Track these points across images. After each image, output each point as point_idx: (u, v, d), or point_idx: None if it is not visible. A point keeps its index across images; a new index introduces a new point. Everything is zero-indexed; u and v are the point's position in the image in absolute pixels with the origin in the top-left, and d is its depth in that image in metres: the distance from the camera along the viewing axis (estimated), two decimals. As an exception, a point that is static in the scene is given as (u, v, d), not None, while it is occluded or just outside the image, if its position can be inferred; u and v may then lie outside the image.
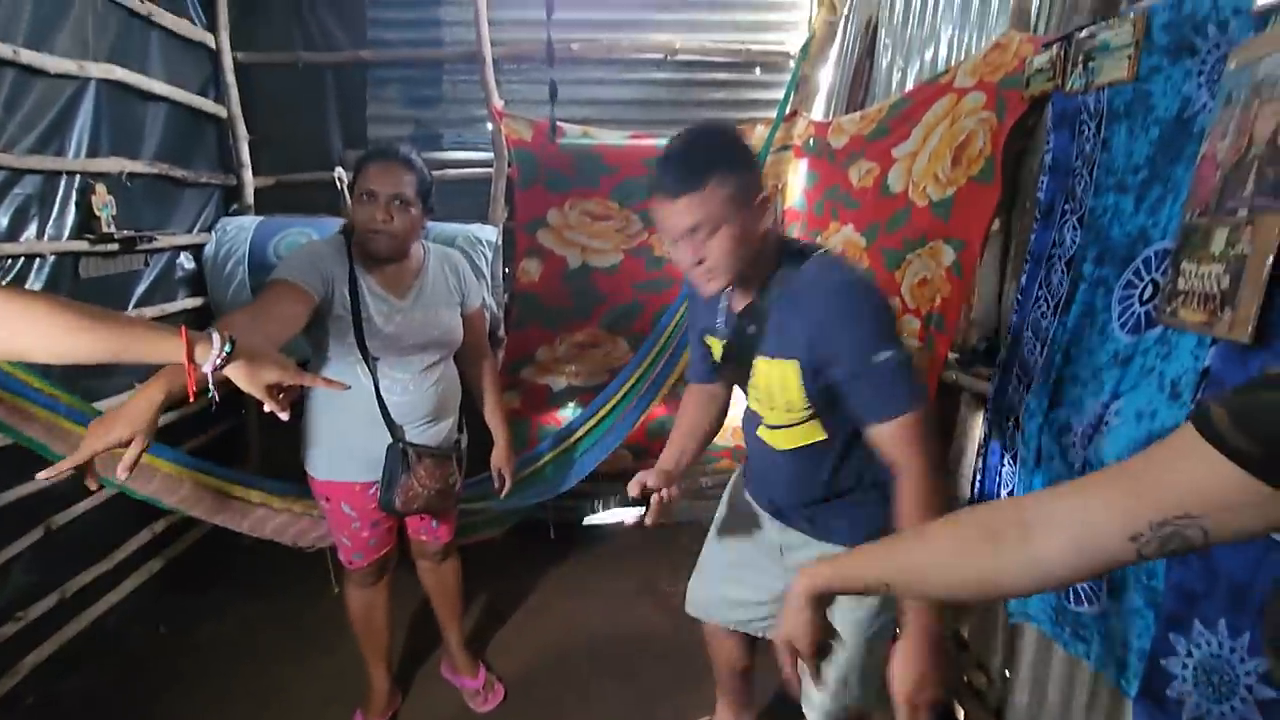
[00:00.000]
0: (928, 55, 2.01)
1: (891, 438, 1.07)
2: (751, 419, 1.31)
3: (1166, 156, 1.09)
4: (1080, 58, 1.26)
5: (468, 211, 2.66)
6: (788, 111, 2.47)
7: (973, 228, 1.55)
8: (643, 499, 1.26)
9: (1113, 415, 1.10)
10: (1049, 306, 1.32)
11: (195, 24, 2.45)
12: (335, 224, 2.33)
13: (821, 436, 1.20)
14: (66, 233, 1.90)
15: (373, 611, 1.88)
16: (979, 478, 1.48)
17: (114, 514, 2.08)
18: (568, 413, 2.76)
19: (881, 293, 1.12)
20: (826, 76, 2.57)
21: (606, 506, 2.99)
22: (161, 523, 2.29)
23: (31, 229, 1.80)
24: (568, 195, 2.59)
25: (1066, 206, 1.30)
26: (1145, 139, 1.14)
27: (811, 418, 1.19)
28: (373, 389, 1.61)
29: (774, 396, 1.19)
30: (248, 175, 2.65)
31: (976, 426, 1.55)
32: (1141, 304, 1.10)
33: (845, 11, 2.45)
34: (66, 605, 1.93)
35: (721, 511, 1.53)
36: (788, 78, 2.67)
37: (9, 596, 1.77)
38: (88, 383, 1.92)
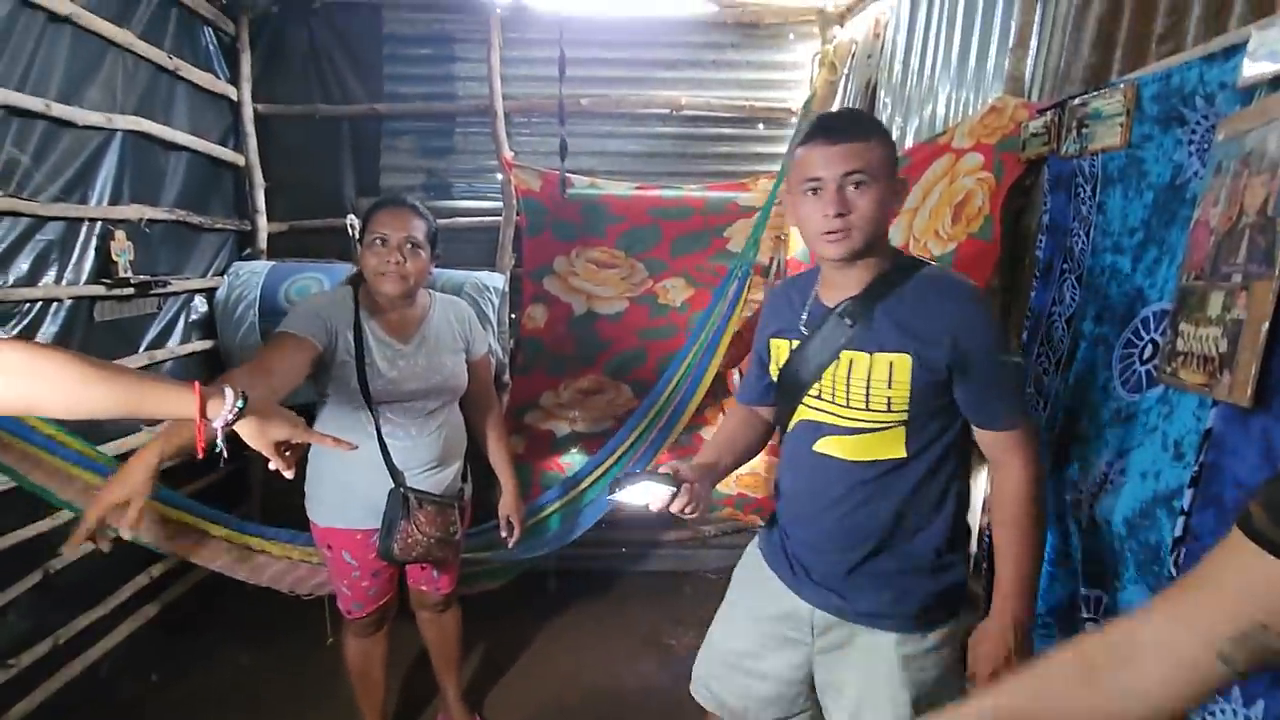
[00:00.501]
0: (926, 113, 2.08)
1: (1010, 442, 1.10)
2: (807, 436, 1.19)
3: (1161, 220, 1.12)
4: (1074, 124, 1.30)
5: (476, 258, 2.71)
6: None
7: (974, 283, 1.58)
8: (673, 483, 1.11)
9: (1117, 474, 1.10)
10: (1050, 363, 1.34)
11: (219, 77, 2.54)
12: (345, 269, 2.38)
13: (899, 454, 1.12)
14: (84, 277, 1.94)
15: (370, 662, 1.85)
16: (986, 535, 1.47)
17: (111, 558, 2.04)
18: (571, 458, 2.76)
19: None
20: (828, 133, 2.65)
21: (616, 556, 2.96)
22: (159, 566, 2.27)
23: (51, 274, 1.84)
24: (574, 243, 2.65)
25: (1065, 265, 1.33)
26: (1140, 203, 1.17)
27: (899, 425, 1.11)
28: (375, 434, 1.62)
29: (869, 393, 1.10)
30: (262, 221, 2.71)
31: (982, 480, 1.54)
32: (1142, 363, 1.11)
33: (845, 71, 2.54)
34: (59, 652, 1.90)
35: (732, 593, 1.38)
36: (790, 133, 2.75)
37: (2, 643, 1.74)
38: (100, 423, 1.93)
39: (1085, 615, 1.16)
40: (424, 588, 1.86)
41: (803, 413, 1.20)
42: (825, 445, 1.17)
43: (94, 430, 1.86)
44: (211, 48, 2.52)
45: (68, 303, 1.88)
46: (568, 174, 2.56)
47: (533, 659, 2.39)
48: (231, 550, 1.78)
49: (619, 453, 2.33)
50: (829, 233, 1.07)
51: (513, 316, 2.73)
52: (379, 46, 2.73)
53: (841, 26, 2.64)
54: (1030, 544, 1.10)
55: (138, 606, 2.22)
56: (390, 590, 1.81)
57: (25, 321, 1.77)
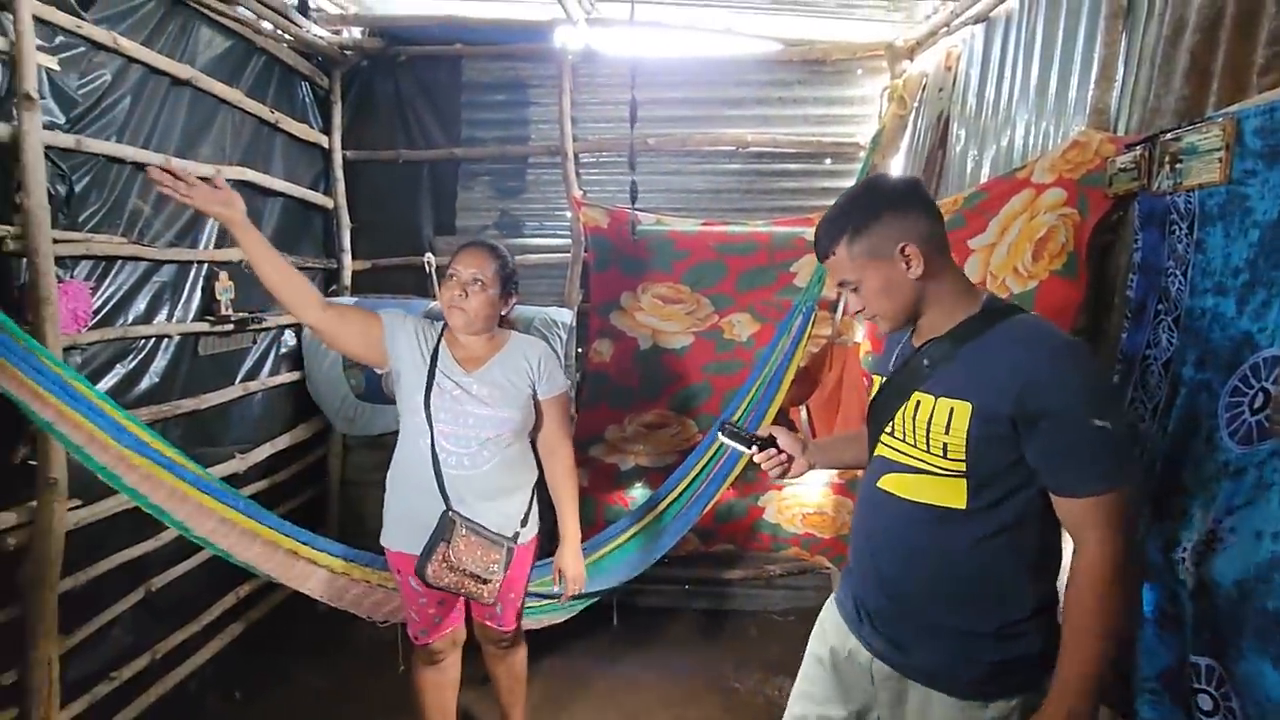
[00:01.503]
0: (1004, 142, 2.03)
1: (1086, 513, 1.00)
2: (874, 471, 1.21)
3: (1270, 261, 1.05)
4: (1166, 159, 1.24)
5: (546, 294, 2.79)
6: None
7: (1058, 324, 1.51)
8: (768, 444, 1.35)
9: (1226, 532, 1.02)
10: (1146, 409, 1.26)
11: (313, 127, 2.74)
12: (422, 304, 2.49)
13: (959, 505, 1.08)
14: (192, 315, 2.10)
15: (439, 691, 1.88)
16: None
17: (205, 577, 2.19)
18: (635, 492, 2.76)
19: (1102, 363, 1.10)
20: (898, 167, 2.62)
21: (679, 592, 2.92)
22: (246, 586, 2.39)
23: (164, 312, 2.00)
24: (640, 279, 2.69)
25: (1160, 307, 1.26)
26: (1244, 241, 1.10)
27: (958, 476, 1.08)
28: (430, 455, 1.68)
29: (929, 436, 1.10)
30: (347, 259, 2.87)
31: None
32: (1253, 413, 1.04)
33: (915, 105, 2.51)
34: (155, 667, 2.02)
35: (811, 645, 1.38)
36: (858, 167, 2.73)
37: (108, 656, 1.87)
38: (199, 450, 2.08)
39: (1196, 685, 1.07)
40: (488, 623, 1.87)
41: (878, 449, 1.22)
42: (886, 481, 1.17)
43: (202, 456, 2.01)
44: (307, 100, 2.72)
45: (176, 338, 2.04)
46: (635, 212, 2.61)
47: (595, 694, 2.38)
48: (319, 571, 1.85)
49: (680, 488, 2.31)
50: (866, 321, 1.26)
51: (579, 351, 2.78)
52: (458, 94, 2.88)
53: (911, 60, 2.62)
54: (1095, 633, 1.00)
55: (224, 625, 2.34)
56: (456, 620, 1.84)
57: (140, 356, 1.92)
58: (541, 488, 1.88)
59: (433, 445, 1.68)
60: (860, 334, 2.60)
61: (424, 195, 2.93)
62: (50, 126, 1.61)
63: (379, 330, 1.72)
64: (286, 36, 2.48)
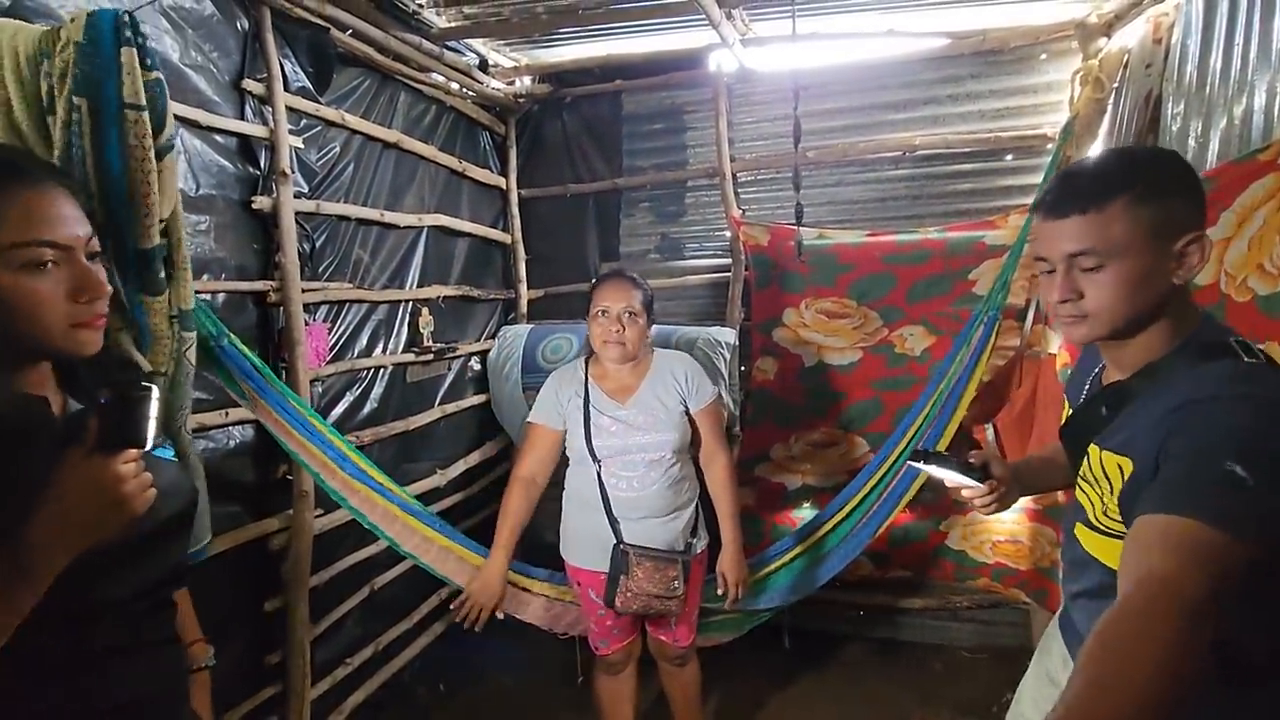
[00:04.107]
0: (1238, 111, 1.75)
1: (1160, 531, 0.72)
2: (1073, 512, 1.06)
3: None
4: None
5: (708, 314, 2.84)
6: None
7: (1326, 329, 1.27)
8: (980, 474, 1.15)
9: None
10: None
11: (492, 171, 3.01)
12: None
13: None
14: (400, 347, 2.40)
15: (619, 703, 1.96)
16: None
17: (415, 578, 2.46)
18: (803, 512, 2.70)
19: None
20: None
21: (852, 619, 2.81)
22: (447, 589, 2.65)
23: (380, 345, 2.30)
24: (803, 295, 2.64)
25: None
26: None
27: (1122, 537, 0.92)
28: (597, 484, 1.77)
29: (1103, 494, 0.94)
30: (523, 289, 3.11)
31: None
32: None
33: (1115, 86, 2.24)
34: (378, 657, 2.30)
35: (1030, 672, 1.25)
36: (1045, 161, 2.49)
37: (344, 644, 2.17)
38: (406, 465, 2.36)
39: None
40: (663, 638, 1.93)
41: (1077, 487, 1.06)
42: (1080, 531, 1.03)
43: (403, 472, 2.28)
44: (487, 147, 3.00)
45: (390, 368, 2.33)
46: (800, 228, 2.58)
47: (769, 718, 2.34)
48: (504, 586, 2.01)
49: (850, 505, 2.22)
50: (1060, 319, 0.94)
51: (743, 369, 2.78)
52: (619, 127, 3.02)
53: (1108, 37, 2.34)
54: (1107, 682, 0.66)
55: (430, 624, 2.61)
56: (633, 632, 1.91)
57: (363, 385, 2.22)
58: (706, 501, 1.92)
59: (599, 477, 1.79)
60: (1055, 344, 2.35)
61: (590, 225, 3.10)
62: (297, 195, 1.93)
63: (548, 430, 1.87)
64: (470, 93, 2.77)
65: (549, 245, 3.15)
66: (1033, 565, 2.46)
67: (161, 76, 1.18)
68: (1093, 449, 0.97)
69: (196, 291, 1.51)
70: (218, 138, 1.72)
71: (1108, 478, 0.92)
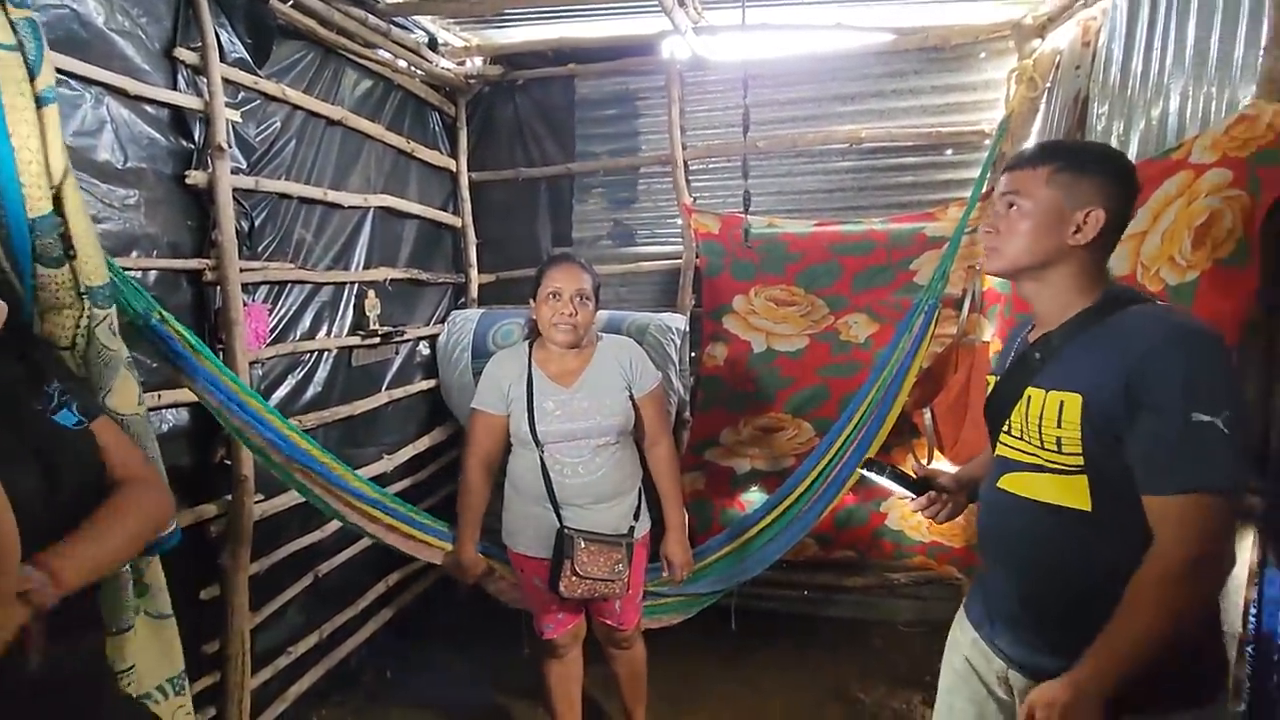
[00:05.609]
0: (1155, 113, 1.86)
1: (1170, 512, 0.93)
2: (995, 472, 1.18)
3: None
4: (1359, 130, 1.10)
5: (659, 300, 2.86)
6: (984, 190, 2.38)
7: (1225, 318, 1.37)
8: (920, 487, 1.30)
9: None
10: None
11: (441, 153, 2.96)
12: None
13: (1084, 506, 1.03)
14: (345, 330, 2.34)
15: (566, 686, 1.98)
16: (1255, 613, 1.25)
17: (361, 565, 2.43)
18: (751, 496, 2.76)
19: (1228, 352, 0.99)
20: (1028, 152, 2.45)
21: (798, 598, 2.90)
22: (395, 574, 2.62)
23: (324, 328, 2.25)
24: (753, 282, 2.69)
25: (1355, 296, 1.12)
26: None
27: (1078, 472, 1.03)
28: (540, 470, 1.77)
29: (1042, 431, 1.06)
30: (474, 274, 3.08)
31: (1246, 550, 1.32)
32: None
33: (1047, 85, 2.35)
34: (323, 645, 2.26)
35: (946, 661, 1.32)
36: (982, 156, 2.58)
37: (287, 632, 2.12)
38: (352, 451, 2.32)
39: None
40: (608, 621, 1.94)
41: (999, 449, 1.18)
42: (1006, 481, 1.14)
43: (349, 457, 2.24)
44: (437, 128, 2.95)
45: (334, 352, 2.28)
46: (748, 217, 2.62)
47: (716, 697, 2.40)
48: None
49: (797, 492, 2.29)
50: (985, 243, 1.15)
51: (694, 355, 2.82)
52: (571, 112, 3.00)
53: (1042, 38, 2.44)
54: (1139, 630, 0.93)
55: (377, 610, 2.58)
56: (579, 615, 1.93)
57: (306, 368, 2.17)
58: (650, 485, 1.94)
59: (542, 461, 1.78)
60: (989, 332, 2.46)
61: (542, 210, 3.08)
62: (235, 171, 1.86)
63: (494, 416, 1.86)
64: (419, 72, 2.71)
65: (500, 230, 3.12)
66: (965, 542, 2.58)
67: (35, 17, 1.10)
68: (1033, 391, 1.09)
69: (126, 269, 1.46)
70: (148, 108, 1.65)
71: (1048, 416, 1.05)
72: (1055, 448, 1.04)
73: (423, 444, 2.77)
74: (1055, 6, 2.33)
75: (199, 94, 1.76)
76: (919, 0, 2.48)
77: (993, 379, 1.24)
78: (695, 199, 2.85)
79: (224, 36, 1.83)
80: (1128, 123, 1.98)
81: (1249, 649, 1.24)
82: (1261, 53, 1.45)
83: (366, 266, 2.44)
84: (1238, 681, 1.27)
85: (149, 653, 1.29)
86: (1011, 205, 1.10)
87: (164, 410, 1.69)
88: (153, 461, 1.24)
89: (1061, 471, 1.05)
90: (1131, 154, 1.93)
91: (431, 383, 2.85)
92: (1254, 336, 1.40)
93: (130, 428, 1.23)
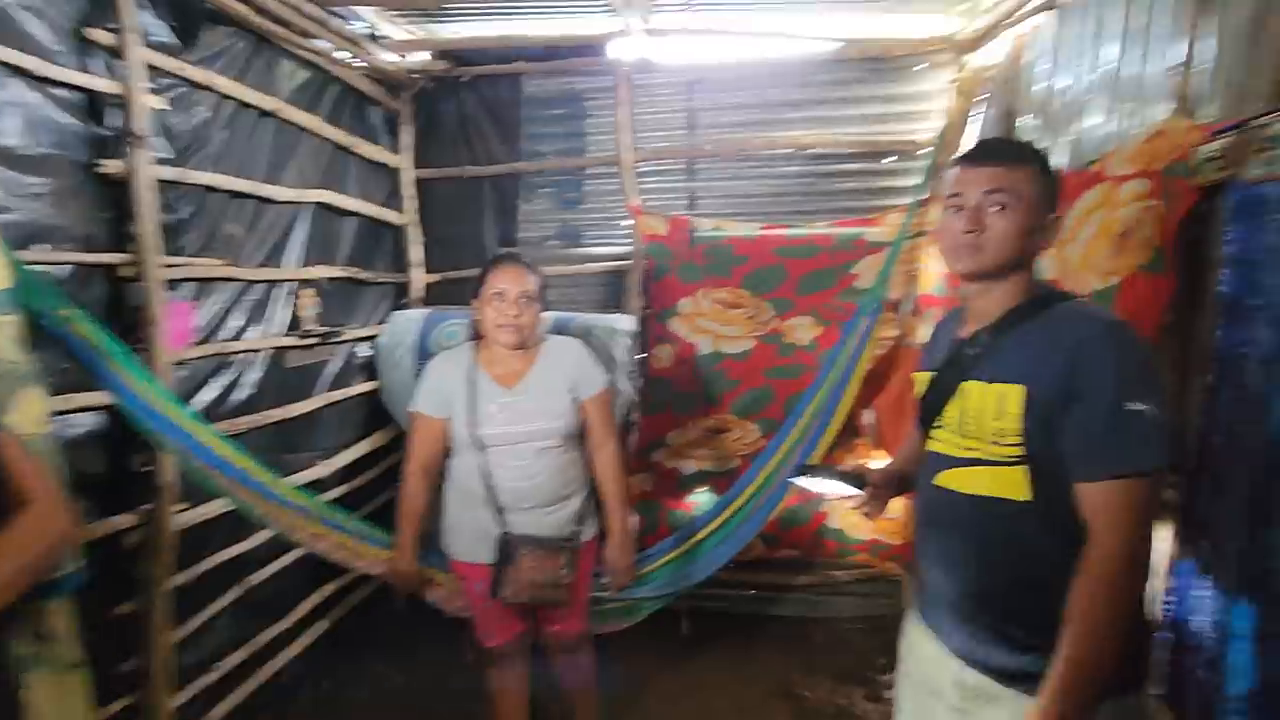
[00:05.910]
0: (1074, 127, 1.96)
1: (1103, 499, 0.96)
2: (929, 468, 1.18)
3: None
4: (1257, 146, 1.18)
5: (607, 302, 2.84)
6: (923, 198, 2.46)
7: (1144, 321, 1.45)
8: (858, 481, 1.31)
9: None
10: (1244, 410, 1.20)
11: (384, 149, 2.87)
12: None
13: (1024, 497, 1.04)
14: (279, 330, 2.24)
15: (510, 695, 1.94)
16: (1171, 602, 1.32)
17: (294, 576, 2.33)
18: (699, 497, 2.77)
19: (1147, 345, 1.06)
20: (963, 162, 2.55)
21: (744, 598, 2.92)
22: (331, 585, 2.52)
23: (256, 328, 2.14)
24: (700, 285, 2.70)
25: (1258, 302, 1.19)
26: (1349, 231, 1.04)
27: (1018, 463, 1.04)
28: (482, 473, 1.73)
29: (981, 424, 1.08)
30: (416, 273, 3.00)
31: (1163, 541, 1.39)
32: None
33: (982, 98, 2.44)
34: (252, 660, 2.16)
35: (901, 667, 1.33)
36: (920, 165, 2.67)
37: (213, 647, 2.01)
38: (285, 456, 2.22)
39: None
40: (555, 627, 1.91)
41: (930, 444, 1.20)
42: (944, 478, 1.15)
43: (289, 464, 2.15)
44: (378, 124, 2.86)
45: (268, 353, 2.18)
46: (693, 217, 2.63)
47: (664, 698, 2.40)
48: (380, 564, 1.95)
49: (746, 494, 2.31)
50: (959, 247, 1.10)
51: (641, 357, 2.81)
52: (518, 110, 2.96)
53: (975, 53, 2.55)
54: (1099, 629, 0.95)
55: (312, 622, 2.48)
56: (520, 624, 1.89)
57: (235, 370, 2.06)
58: (595, 489, 1.92)
59: (486, 464, 1.74)
60: (925, 335, 2.54)
61: (488, 209, 3.02)
62: (159, 161, 1.75)
63: (434, 419, 1.80)
64: (359, 64, 2.62)
65: (444, 228, 3.04)
66: (905, 539, 2.65)
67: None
68: (971, 385, 1.11)
69: (30, 263, 1.36)
70: (57, 91, 1.54)
71: (988, 407, 1.07)
72: (995, 439, 1.06)
73: (362, 448, 2.68)
74: (989, 23, 2.43)
75: (115, 77, 1.66)
76: (863, 8, 2.55)
77: (925, 375, 1.25)
78: (643, 201, 2.85)
79: (145, 17, 1.72)
80: (1052, 140, 2.08)
81: (1165, 635, 1.31)
82: (1173, 73, 1.54)
83: (303, 264, 2.35)
84: (1156, 666, 1.34)
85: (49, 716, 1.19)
86: (1001, 205, 1.07)
87: (78, 414, 1.58)
88: (55, 486, 1.15)
89: (1000, 463, 1.06)
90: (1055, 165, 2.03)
91: (372, 385, 2.76)
92: (1169, 339, 1.48)
93: (33, 448, 1.14)
